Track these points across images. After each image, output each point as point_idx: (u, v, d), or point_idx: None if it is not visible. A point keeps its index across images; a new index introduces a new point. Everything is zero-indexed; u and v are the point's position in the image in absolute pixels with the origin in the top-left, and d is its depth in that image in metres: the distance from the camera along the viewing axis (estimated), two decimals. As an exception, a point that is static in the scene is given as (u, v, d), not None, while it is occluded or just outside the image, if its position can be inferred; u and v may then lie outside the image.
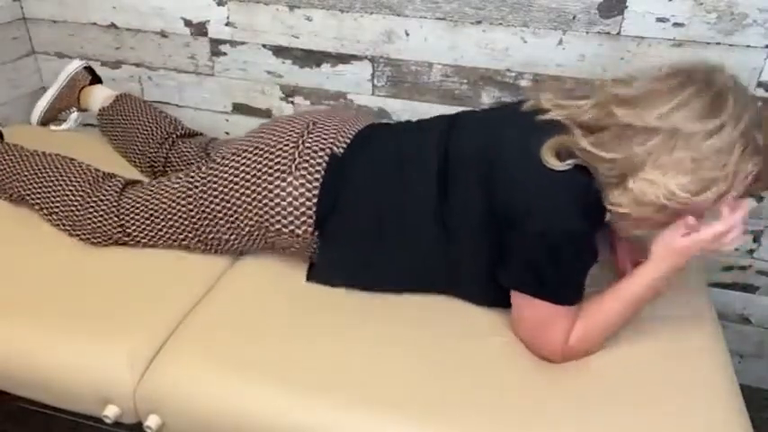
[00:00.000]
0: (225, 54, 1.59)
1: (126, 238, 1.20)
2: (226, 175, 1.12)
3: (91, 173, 1.25)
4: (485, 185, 0.99)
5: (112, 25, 1.65)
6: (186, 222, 1.16)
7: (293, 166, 1.08)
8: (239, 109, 1.66)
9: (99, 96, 1.57)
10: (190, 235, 1.17)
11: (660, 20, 1.25)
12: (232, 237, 1.15)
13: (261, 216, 1.10)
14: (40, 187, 1.24)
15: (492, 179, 0.98)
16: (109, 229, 1.19)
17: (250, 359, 0.98)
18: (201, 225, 1.16)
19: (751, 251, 1.45)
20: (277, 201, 1.08)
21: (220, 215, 1.13)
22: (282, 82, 1.58)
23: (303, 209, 1.07)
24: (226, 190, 1.12)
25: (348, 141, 1.12)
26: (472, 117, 1.14)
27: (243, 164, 1.12)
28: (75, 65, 1.60)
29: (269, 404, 0.93)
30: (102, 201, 1.20)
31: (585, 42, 1.31)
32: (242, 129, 1.66)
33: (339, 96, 1.55)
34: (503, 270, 1.00)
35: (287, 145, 1.10)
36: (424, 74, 1.45)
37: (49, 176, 1.25)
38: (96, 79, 1.62)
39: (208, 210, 1.14)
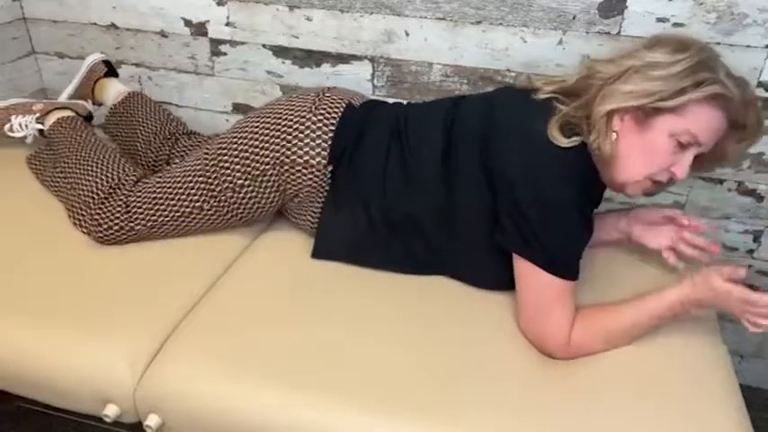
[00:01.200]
0: (225, 54, 1.59)
1: (132, 224, 1.19)
2: (245, 125, 1.18)
3: (121, 170, 1.28)
4: (484, 159, 1.04)
5: (112, 25, 1.65)
6: (199, 178, 1.18)
7: (313, 107, 1.16)
8: (239, 109, 1.66)
9: (112, 91, 1.57)
10: (203, 191, 1.18)
11: (660, 20, 1.25)
12: (246, 182, 1.16)
13: (278, 150, 1.14)
14: (79, 169, 1.28)
15: (490, 153, 1.04)
16: (117, 215, 1.19)
17: (250, 359, 0.98)
18: (215, 177, 1.17)
19: (751, 251, 1.45)
20: (295, 134, 1.14)
21: (236, 159, 1.15)
22: (282, 82, 1.58)
23: (319, 141, 1.14)
24: (245, 134, 1.17)
25: (363, 102, 1.23)
26: (475, 97, 1.19)
27: (263, 114, 1.18)
28: (94, 57, 1.60)
29: (269, 403, 0.93)
30: (116, 192, 1.22)
31: (585, 42, 1.31)
32: (242, 129, 1.66)
33: (339, 96, 1.55)
34: (499, 232, 1.04)
35: (307, 98, 1.19)
36: (424, 74, 1.46)
37: (91, 162, 1.28)
38: (112, 72, 1.61)
39: (223, 159, 1.16)
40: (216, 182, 1.17)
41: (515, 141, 1.02)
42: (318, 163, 1.14)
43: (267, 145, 1.14)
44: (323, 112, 1.16)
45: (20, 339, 1.03)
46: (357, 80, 1.51)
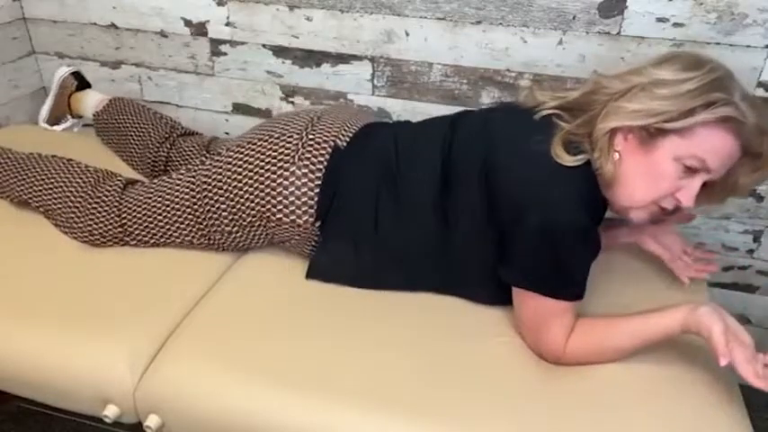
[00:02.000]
0: (225, 54, 1.59)
1: (127, 238, 1.20)
2: (229, 166, 1.13)
3: (91, 173, 1.25)
4: (485, 184, 1.00)
5: (112, 25, 1.65)
6: (189, 216, 1.17)
7: (296, 157, 1.09)
8: (239, 109, 1.66)
9: (90, 102, 1.57)
10: (193, 230, 1.17)
11: (660, 20, 1.25)
12: (234, 229, 1.15)
13: (263, 206, 1.10)
14: (41, 189, 1.24)
15: (491, 177, 0.99)
16: (110, 229, 1.19)
17: (250, 359, 0.98)
18: (204, 218, 1.16)
19: (751, 251, 1.45)
20: (279, 190, 1.09)
21: (223, 206, 1.13)
22: (282, 82, 1.58)
23: (305, 198, 1.09)
24: (229, 180, 1.12)
25: (351, 135, 1.14)
26: (472, 117, 1.14)
27: (247, 154, 1.13)
28: (61, 71, 1.59)
29: (269, 404, 0.93)
30: (103, 200, 1.20)
31: (585, 42, 1.31)
32: (242, 129, 1.65)
33: (339, 96, 1.55)
34: (504, 267, 1.00)
35: (291, 137, 1.12)
36: (424, 74, 1.45)
37: (50, 178, 1.25)
38: (84, 84, 1.61)
39: (211, 201, 1.14)
40: (205, 223, 1.16)
41: (518, 165, 0.97)
42: (305, 222, 1.10)
43: (252, 197, 1.11)
44: (307, 161, 1.09)
45: (20, 339, 1.03)
46: (357, 80, 1.51)
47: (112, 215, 1.19)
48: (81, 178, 1.24)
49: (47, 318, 1.05)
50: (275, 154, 1.11)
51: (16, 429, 1.43)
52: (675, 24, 1.25)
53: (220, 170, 1.14)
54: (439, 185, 1.05)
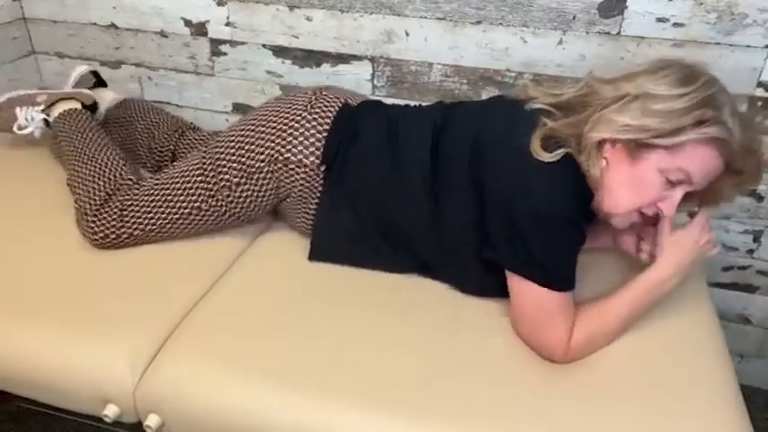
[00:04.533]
0: (225, 54, 1.59)
1: (123, 224, 1.19)
2: (242, 126, 1.18)
3: (119, 174, 1.27)
4: (474, 172, 1.03)
5: (112, 25, 1.65)
6: (197, 179, 1.18)
7: (309, 106, 1.16)
8: (239, 109, 1.66)
9: (105, 98, 1.57)
10: (199, 188, 1.18)
11: (660, 20, 1.25)
12: (242, 180, 1.16)
13: (272, 147, 1.14)
14: (78, 171, 1.28)
15: (478, 161, 1.02)
16: (109, 218, 1.19)
17: (250, 359, 0.98)
18: (212, 175, 1.16)
19: (751, 251, 1.45)
20: (290, 131, 1.14)
21: (233, 157, 1.15)
22: (282, 82, 1.58)
23: (313, 140, 1.14)
24: (241, 135, 1.17)
25: (359, 102, 1.22)
26: (468, 104, 1.19)
27: (258, 115, 1.19)
28: (81, 68, 1.59)
29: (269, 404, 0.93)
30: (113, 196, 1.22)
31: (585, 42, 1.31)
32: (242, 129, 1.66)
33: (339, 96, 1.55)
34: (490, 248, 1.02)
35: (303, 96, 1.19)
36: (424, 74, 1.46)
37: (89, 165, 1.28)
38: (101, 83, 1.61)
39: (221, 157, 1.16)
40: (213, 180, 1.17)
41: (502, 154, 1.00)
42: (312, 162, 1.14)
43: (262, 142, 1.15)
44: (318, 111, 1.15)
45: (20, 339, 1.03)
46: (357, 80, 1.51)
47: (115, 210, 1.19)
48: (114, 174, 1.27)
49: (47, 318, 1.05)
50: (289, 105, 1.17)
51: (16, 429, 1.43)
52: (675, 24, 1.25)
53: (233, 131, 1.19)
54: (429, 162, 1.08)
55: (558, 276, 0.98)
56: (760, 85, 1.26)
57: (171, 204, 1.19)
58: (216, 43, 1.58)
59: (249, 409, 0.93)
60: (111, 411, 0.98)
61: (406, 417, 0.91)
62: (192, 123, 1.50)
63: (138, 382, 0.98)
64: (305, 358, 0.98)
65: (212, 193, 1.17)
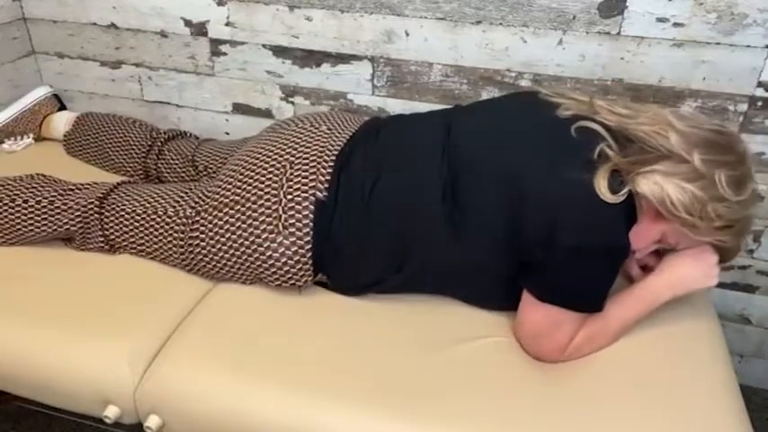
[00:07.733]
0: (225, 54, 1.59)
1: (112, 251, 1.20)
2: (212, 234, 1.10)
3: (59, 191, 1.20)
4: (508, 202, 0.96)
5: (112, 25, 1.65)
6: (176, 258, 1.16)
7: (280, 225, 1.05)
8: (239, 109, 1.66)
9: (60, 122, 1.57)
10: (179, 265, 1.17)
11: (660, 20, 1.25)
12: (227, 276, 1.14)
13: (255, 272, 1.10)
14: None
15: (520, 197, 0.95)
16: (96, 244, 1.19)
17: (250, 359, 0.98)
18: (193, 264, 1.15)
19: (751, 251, 1.45)
20: (270, 260, 1.07)
21: (210, 266, 1.12)
22: (282, 82, 1.58)
23: (298, 261, 1.07)
24: (214, 250, 1.10)
25: (329, 177, 1.06)
26: (471, 117, 1.12)
27: (227, 222, 1.08)
28: (42, 91, 1.58)
29: (269, 404, 0.93)
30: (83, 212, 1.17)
31: (585, 42, 1.31)
32: (242, 129, 1.66)
33: (339, 96, 1.55)
34: (529, 279, 0.98)
35: (268, 200, 1.06)
36: (424, 74, 1.45)
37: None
38: (61, 107, 1.61)
39: (197, 259, 1.13)
40: (195, 267, 1.15)
41: (556, 190, 0.93)
42: (305, 282, 1.09)
43: (244, 267, 1.10)
44: (292, 230, 1.04)
45: (20, 339, 1.03)
46: (357, 80, 1.51)
47: (97, 230, 1.18)
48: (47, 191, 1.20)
49: (47, 318, 1.05)
50: (257, 224, 1.06)
51: (16, 429, 1.43)
52: (675, 24, 1.25)
53: (203, 236, 1.10)
54: (440, 200, 1.01)
55: (593, 304, 0.98)
56: (760, 85, 1.26)
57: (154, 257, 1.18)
58: (216, 43, 1.58)
59: (249, 409, 0.93)
60: (111, 412, 0.98)
61: (405, 417, 0.91)
62: (165, 134, 1.47)
63: (139, 382, 0.98)
64: (305, 358, 0.98)
65: (194, 271, 1.16)
